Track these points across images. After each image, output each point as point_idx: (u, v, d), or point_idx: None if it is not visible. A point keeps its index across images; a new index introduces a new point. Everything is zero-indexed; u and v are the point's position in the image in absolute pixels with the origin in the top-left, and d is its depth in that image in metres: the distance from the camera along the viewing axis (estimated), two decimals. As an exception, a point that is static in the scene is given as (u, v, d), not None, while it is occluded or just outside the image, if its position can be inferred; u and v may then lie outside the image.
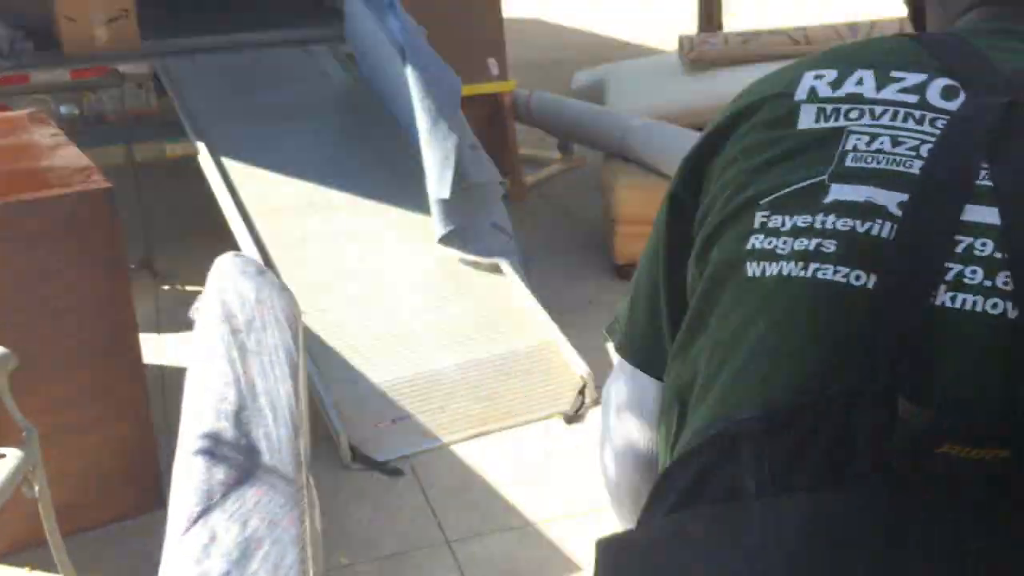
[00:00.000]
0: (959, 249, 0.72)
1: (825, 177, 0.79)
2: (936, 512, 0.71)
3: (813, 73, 0.87)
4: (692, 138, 4.05)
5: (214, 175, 3.58)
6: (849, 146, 0.80)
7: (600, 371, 3.23)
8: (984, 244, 0.73)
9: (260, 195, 3.54)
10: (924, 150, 0.77)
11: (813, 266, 0.75)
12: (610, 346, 1.00)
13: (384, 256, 3.40)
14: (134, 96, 4.20)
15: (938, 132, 0.78)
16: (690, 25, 8.12)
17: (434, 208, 3.37)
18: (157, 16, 4.47)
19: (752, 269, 0.78)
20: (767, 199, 0.80)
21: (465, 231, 3.39)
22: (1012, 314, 0.70)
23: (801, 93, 0.86)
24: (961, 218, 0.74)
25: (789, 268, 0.76)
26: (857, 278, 0.73)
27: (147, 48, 4.25)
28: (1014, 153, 0.76)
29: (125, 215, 3.87)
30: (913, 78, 0.84)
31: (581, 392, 3.00)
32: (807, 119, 0.84)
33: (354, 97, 4.24)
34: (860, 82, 0.85)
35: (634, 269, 1.00)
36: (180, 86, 4.06)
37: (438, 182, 3.33)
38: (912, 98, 0.82)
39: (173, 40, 4.31)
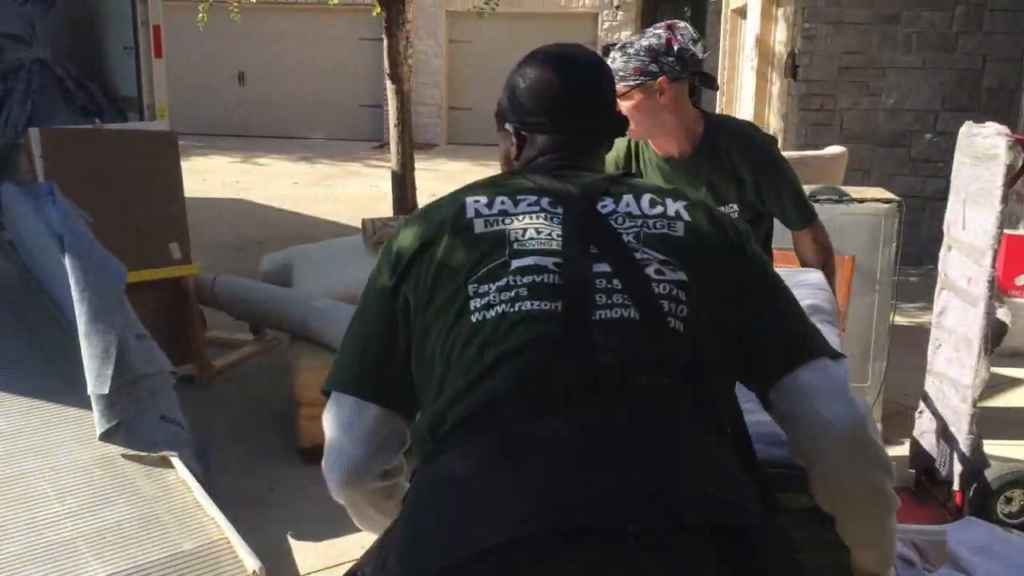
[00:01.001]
0: (597, 285, 1.28)
1: (506, 257, 1.31)
2: (633, 418, 1.20)
3: (472, 199, 1.40)
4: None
5: None
6: (512, 239, 1.33)
7: (277, 562, 3.13)
8: (608, 282, 1.29)
9: None
10: (555, 233, 1.34)
11: (517, 304, 1.27)
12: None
13: (36, 458, 3.14)
14: None
15: (558, 224, 1.35)
16: (388, 201, 8.46)
17: (94, 403, 3.19)
18: None
19: (475, 317, 1.28)
20: (474, 277, 1.30)
21: (130, 425, 3.22)
22: (636, 315, 1.27)
23: (470, 212, 1.38)
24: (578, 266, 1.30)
25: (502, 308, 1.27)
26: (546, 304, 1.27)
27: None
28: (604, 230, 1.34)
29: None
30: (531, 197, 1.39)
31: (253, 589, 2.87)
32: (479, 226, 1.36)
33: (14, 286, 3.99)
34: (503, 203, 1.38)
35: (321, 450, 1.43)
36: None
37: (97, 377, 3.17)
38: (536, 208, 1.38)
39: None
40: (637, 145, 2.67)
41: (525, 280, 1.28)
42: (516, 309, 1.26)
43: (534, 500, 1.11)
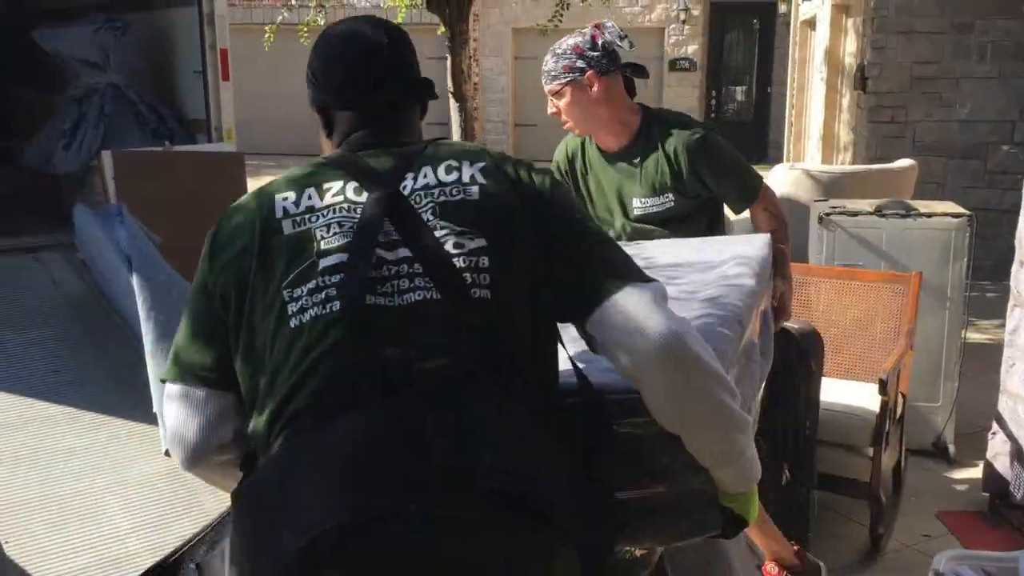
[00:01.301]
0: (383, 273, 1.37)
1: (314, 257, 1.38)
2: (421, 404, 1.27)
3: (281, 196, 1.46)
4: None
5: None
6: (319, 237, 1.40)
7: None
8: (410, 266, 1.37)
9: None
10: (356, 225, 1.40)
11: (328, 305, 1.35)
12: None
13: (104, 473, 3.22)
14: None
15: (358, 214, 1.41)
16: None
17: (160, 420, 3.26)
18: None
19: (293, 321, 1.36)
20: (286, 281, 1.38)
21: (193, 441, 3.28)
22: (437, 295, 1.35)
23: (279, 211, 1.44)
24: (380, 256, 1.38)
25: (315, 311, 1.35)
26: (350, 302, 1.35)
27: None
28: (403, 213, 1.41)
29: None
30: (336, 186, 1.46)
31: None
32: (288, 227, 1.43)
33: (87, 305, 4.11)
34: (310, 197, 1.44)
35: None
36: None
37: (159, 386, 3.23)
38: (340, 198, 1.44)
39: None
40: (583, 143, 2.78)
41: (334, 279, 1.37)
42: (328, 311, 1.35)
43: (323, 501, 1.20)
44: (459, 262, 1.36)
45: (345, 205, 1.43)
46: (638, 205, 2.70)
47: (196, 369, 1.47)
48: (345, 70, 1.55)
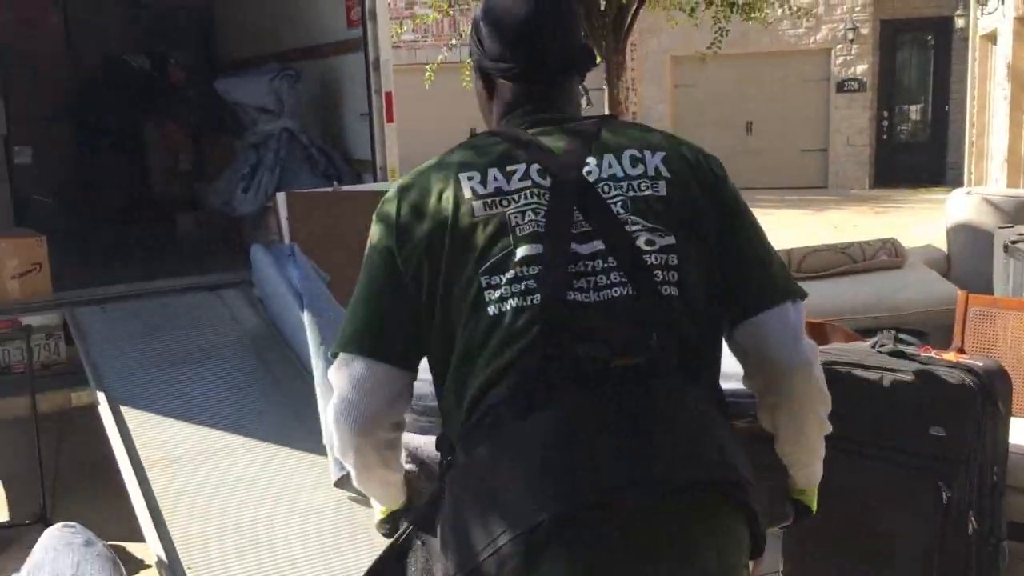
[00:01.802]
0: (579, 268, 1.40)
1: (511, 246, 1.41)
2: (619, 400, 1.33)
3: (465, 176, 1.46)
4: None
5: (110, 423, 3.57)
6: (513, 223, 1.41)
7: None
8: (604, 260, 1.40)
9: (156, 443, 3.53)
10: (546, 213, 1.42)
11: (528, 297, 1.38)
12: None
13: (278, 503, 3.35)
14: (43, 346, 4.24)
15: (546, 200, 1.43)
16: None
17: (329, 452, 3.37)
18: (69, 267, 4.59)
19: (492, 309, 1.39)
20: (484, 267, 1.40)
21: (360, 474, 3.37)
22: (632, 292, 1.39)
23: (466, 191, 1.44)
24: (574, 250, 1.41)
25: (515, 302, 1.38)
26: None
27: (58, 299, 4.33)
28: (592, 203, 1.43)
29: (23, 469, 3.82)
30: (520, 168, 1.46)
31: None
32: (479, 209, 1.43)
33: (262, 340, 4.31)
34: (495, 178, 1.44)
35: None
36: (87, 335, 4.11)
37: (328, 428, 3.34)
38: (527, 182, 1.44)
39: (84, 290, 4.41)
40: None
41: (532, 271, 1.40)
42: (529, 303, 1.39)
43: (534, 494, 1.29)
44: (650, 259, 1.41)
45: (534, 190, 1.44)
46: None
47: (381, 345, 1.47)
48: (510, 37, 1.54)
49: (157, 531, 3.07)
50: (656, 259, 1.41)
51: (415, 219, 1.46)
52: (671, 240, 1.43)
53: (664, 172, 1.47)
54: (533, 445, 1.32)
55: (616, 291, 1.39)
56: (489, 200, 1.43)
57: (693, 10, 7.85)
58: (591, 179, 1.45)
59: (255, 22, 6.28)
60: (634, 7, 7.27)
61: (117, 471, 3.43)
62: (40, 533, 3.82)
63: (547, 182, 1.44)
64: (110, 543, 2.90)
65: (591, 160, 1.46)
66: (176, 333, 4.23)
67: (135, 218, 6.44)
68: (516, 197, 1.43)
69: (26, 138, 6.33)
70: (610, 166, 1.46)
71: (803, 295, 1.50)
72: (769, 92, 15.61)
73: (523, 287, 1.38)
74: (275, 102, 5.30)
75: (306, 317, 3.61)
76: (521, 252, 1.40)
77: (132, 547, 3.66)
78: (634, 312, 1.38)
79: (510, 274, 1.39)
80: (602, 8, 7.18)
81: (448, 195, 1.45)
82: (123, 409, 3.66)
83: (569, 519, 1.26)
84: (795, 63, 15.04)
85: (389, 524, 1.72)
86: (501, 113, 1.58)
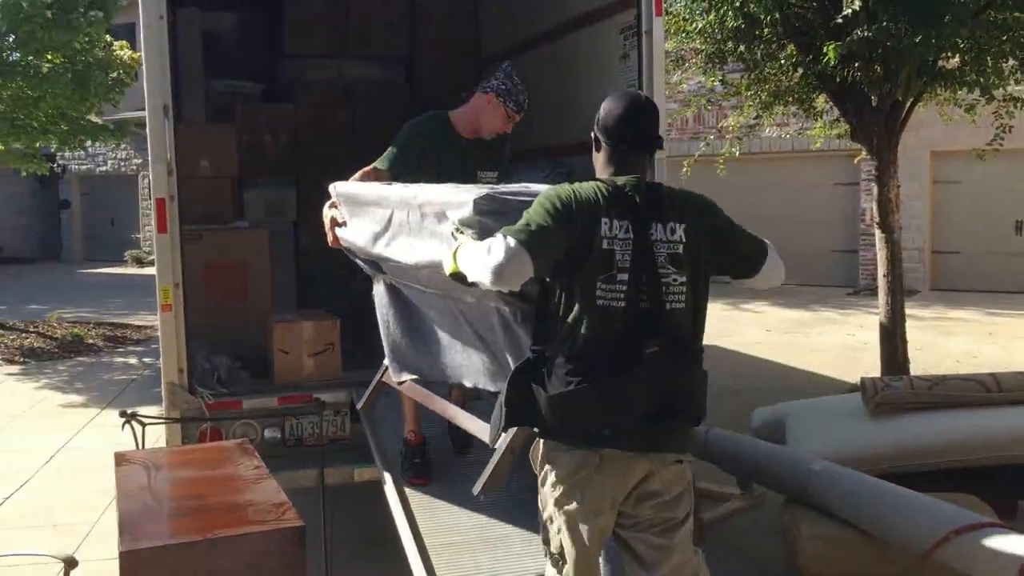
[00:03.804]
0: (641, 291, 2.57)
1: (614, 271, 2.54)
2: (649, 371, 2.52)
3: (604, 219, 2.54)
4: (877, 486, 3.84)
5: (396, 505, 3.70)
6: (617, 259, 2.54)
7: None
8: (642, 288, 2.56)
9: (439, 528, 3.61)
10: (630, 255, 2.58)
11: (618, 302, 2.54)
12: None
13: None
14: (331, 422, 4.50)
15: (631, 248, 2.57)
16: (872, 356, 8.04)
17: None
18: (357, 348, 4.86)
19: (600, 302, 2.53)
20: (600, 278, 2.53)
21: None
22: (653, 306, 2.57)
23: (603, 230, 2.54)
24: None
25: (609, 302, 2.54)
26: (624, 304, 2.57)
27: (347, 378, 4.59)
28: (649, 253, 2.59)
29: (310, 537, 3.99)
30: (625, 224, 2.56)
31: None
32: (605, 244, 2.54)
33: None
34: (611, 229, 2.54)
35: None
36: (372, 414, 4.32)
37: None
38: (627, 235, 2.56)
39: (369, 371, 4.64)
40: (445, 130, 4.17)
41: (622, 289, 2.53)
42: (617, 305, 2.53)
43: (606, 414, 2.53)
44: (668, 289, 2.56)
45: (627, 240, 2.54)
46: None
47: (538, 249, 2.42)
48: (634, 125, 2.68)
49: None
50: (674, 289, 2.57)
51: (586, 208, 2.55)
52: (684, 278, 2.59)
53: (682, 238, 2.59)
54: (608, 391, 2.50)
55: (644, 305, 2.55)
56: (611, 239, 2.56)
57: (972, 107, 7.43)
58: (653, 238, 2.57)
59: (527, 119, 6.53)
60: (908, 103, 6.97)
61: (395, 548, 3.54)
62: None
63: (630, 236, 2.55)
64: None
65: (656, 224, 2.58)
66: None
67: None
68: (620, 245, 2.56)
69: (312, 223, 6.87)
70: (659, 232, 2.58)
71: (766, 243, 2.84)
72: (1043, 189, 14.49)
73: (616, 295, 2.53)
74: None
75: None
76: (620, 276, 2.53)
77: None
78: (655, 317, 2.55)
79: (611, 287, 2.53)
80: (874, 104, 6.93)
81: (592, 227, 2.54)
82: (407, 491, 3.79)
83: (622, 433, 2.56)
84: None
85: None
86: (606, 165, 2.73)
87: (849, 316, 12.73)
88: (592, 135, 2.73)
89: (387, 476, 3.87)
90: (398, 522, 3.61)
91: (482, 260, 2.40)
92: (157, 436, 4.53)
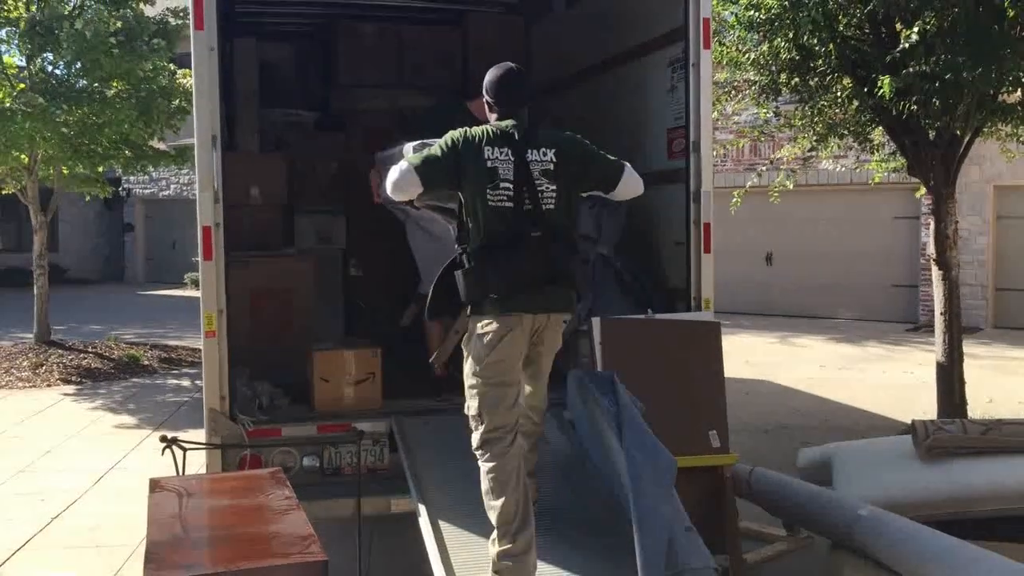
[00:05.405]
0: (523, 194, 3.66)
1: (498, 179, 3.63)
2: (536, 248, 3.62)
3: (487, 147, 3.64)
4: (925, 535, 3.70)
5: (429, 538, 3.67)
6: (500, 173, 3.62)
7: None
8: (524, 193, 3.65)
9: (473, 562, 3.58)
10: (511, 171, 3.65)
11: (505, 203, 3.63)
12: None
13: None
14: (369, 452, 4.49)
15: (512, 166, 3.65)
16: (930, 395, 7.82)
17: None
18: (397, 378, 4.86)
19: (490, 203, 3.61)
20: (488, 185, 3.61)
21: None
22: (532, 206, 3.65)
23: (486, 154, 3.63)
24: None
25: (499, 204, 3.62)
26: (510, 203, 3.66)
27: (387, 407, 4.59)
28: (527, 169, 3.68)
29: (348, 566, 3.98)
30: (506, 150, 3.66)
31: None
32: (490, 163, 3.64)
33: (567, 462, 4.31)
34: (496, 152, 3.65)
35: None
36: (410, 445, 4.31)
37: (646, 567, 3.23)
38: (506, 158, 3.65)
39: (410, 401, 4.64)
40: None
41: (508, 192, 3.56)
42: (504, 205, 3.57)
43: (507, 279, 3.58)
44: (543, 194, 3.60)
45: (508, 161, 3.58)
46: None
47: (423, 168, 3.61)
48: (503, 87, 3.78)
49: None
50: (547, 194, 3.61)
51: (469, 145, 3.61)
52: (555, 186, 3.62)
53: (553, 158, 3.64)
54: (508, 264, 3.55)
55: (527, 205, 3.58)
56: (492, 160, 3.59)
57: (1034, 142, 7.23)
58: (529, 159, 3.61)
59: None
60: (967, 138, 6.81)
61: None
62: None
63: (512, 159, 3.59)
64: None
65: (531, 150, 3.63)
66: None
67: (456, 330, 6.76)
68: (502, 163, 3.59)
69: (359, 253, 6.93)
70: (532, 154, 3.62)
71: (621, 162, 3.87)
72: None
73: (504, 197, 3.56)
74: (595, 229, 5.42)
75: (624, 448, 3.56)
76: (503, 184, 3.56)
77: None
78: (536, 214, 3.59)
79: (498, 192, 3.56)
80: (931, 138, 6.78)
81: (479, 147, 3.60)
82: (441, 524, 3.76)
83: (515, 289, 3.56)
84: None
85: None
86: (497, 118, 3.77)
87: (907, 353, 12.42)
88: (484, 99, 3.83)
89: (422, 508, 3.84)
90: (431, 555, 3.58)
91: (390, 177, 3.64)
92: (200, 461, 4.57)
